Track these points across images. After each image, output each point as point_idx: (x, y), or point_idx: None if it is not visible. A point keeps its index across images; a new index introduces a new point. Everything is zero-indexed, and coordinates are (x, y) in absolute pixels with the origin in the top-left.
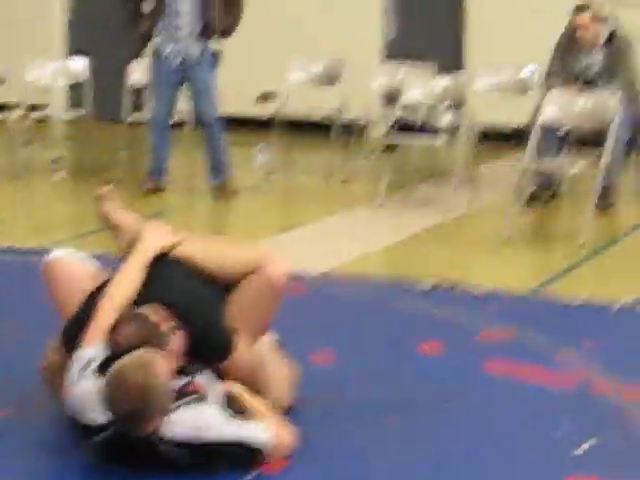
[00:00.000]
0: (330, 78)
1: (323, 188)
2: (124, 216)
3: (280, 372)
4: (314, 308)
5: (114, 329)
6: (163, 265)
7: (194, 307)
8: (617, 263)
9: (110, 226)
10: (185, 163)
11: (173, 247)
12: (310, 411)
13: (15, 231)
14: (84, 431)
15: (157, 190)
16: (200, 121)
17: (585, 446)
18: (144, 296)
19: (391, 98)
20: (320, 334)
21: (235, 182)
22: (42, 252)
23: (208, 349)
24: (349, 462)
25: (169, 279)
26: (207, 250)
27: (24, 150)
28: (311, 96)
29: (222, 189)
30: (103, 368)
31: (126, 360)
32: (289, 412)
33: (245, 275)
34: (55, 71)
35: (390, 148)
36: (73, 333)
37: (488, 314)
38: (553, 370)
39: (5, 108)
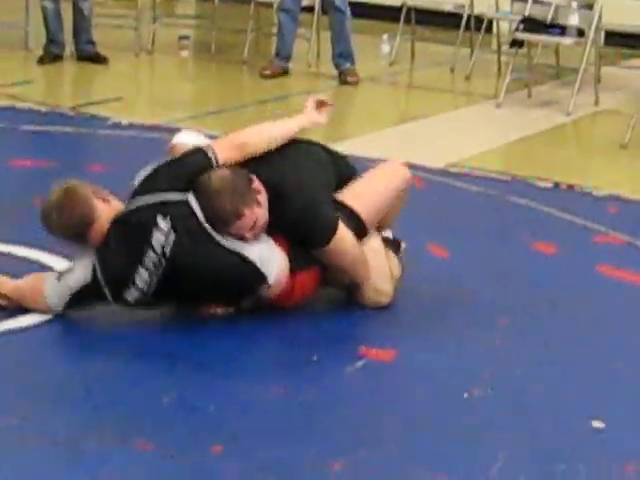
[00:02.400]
0: None
1: (446, 82)
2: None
3: (383, 268)
4: (432, 201)
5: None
6: (292, 145)
7: (295, 189)
8: None
9: None
10: (310, 48)
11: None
12: (421, 301)
13: (136, 107)
14: None
15: (282, 73)
16: (330, 6)
17: None
18: (255, 163)
19: None
20: (437, 227)
21: (359, 70)
22: (161, 129)
23: (306, 233)
24: (454, 357)
25: (285, 157)
26: None
27: (151, 26)
28: None
29: (347, 76)
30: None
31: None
32: (399, 300)
33: None
34: None
35: (517, 44)
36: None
37: (603, 218)
38: None
39: None
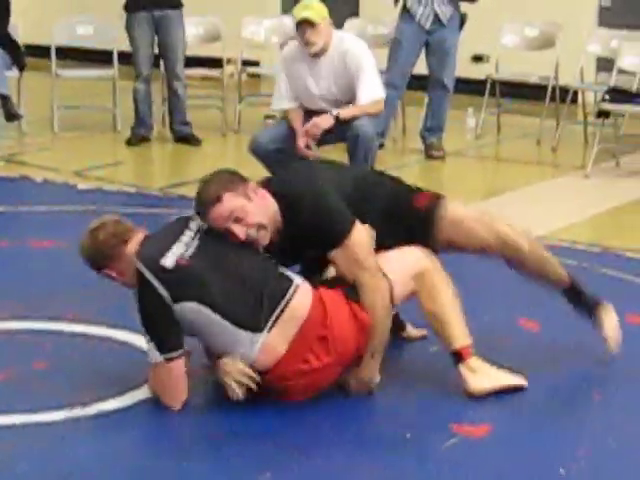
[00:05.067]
0: (545, 42)
1: (533, 153)
2: None
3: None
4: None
5: None
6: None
7: (304, 187)
8: None
9: None
10: (396, 123)
11: None
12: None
13: None
14: None
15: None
16: (437, 82)
17: None
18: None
19: (605, 65)
20: (528, 301)
21: (444, 144)
22: None
23: (323, 227)
24: (548, 433)
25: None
26: None
27: (237, 106)
28: (525, 60)
29: (433, 150)
30: None
31: None
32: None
33: None
34: (270, 28)
35: (603, 115)
36: None
37: None
38: None
39: (220, 63)
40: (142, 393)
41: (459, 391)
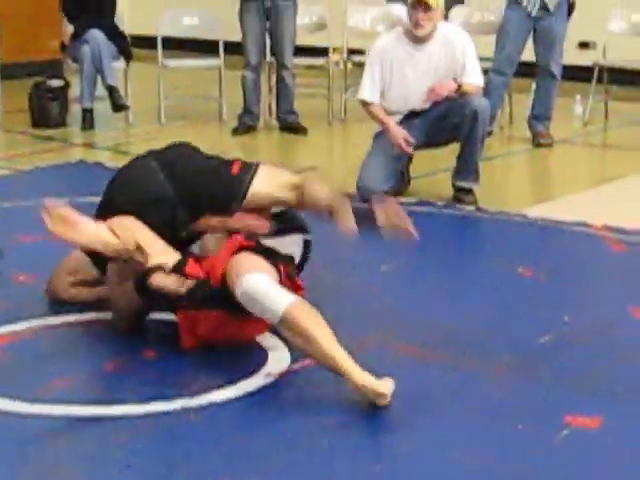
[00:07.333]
0: None
1: None
2: None
3: None
4: (633, 264)
5: None
6: None
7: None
8: None
9: None
10: (503, 110)
11: None
12: (625, 367)
13: (331, 176)
14: None
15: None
16: (544, 69)
17: None
18: None
19: None
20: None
21: (552, 132)
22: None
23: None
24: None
25: None
26: None
27: (343, 94)
28: (632, 46)
29: (540, 137)
30: None
31: None
32: (603, 366)
33: None
34: (375, 17)
35: None
36: None
37: None
38: None
39: (325, 52)
40: (251, 384)
41: (571, 380)
